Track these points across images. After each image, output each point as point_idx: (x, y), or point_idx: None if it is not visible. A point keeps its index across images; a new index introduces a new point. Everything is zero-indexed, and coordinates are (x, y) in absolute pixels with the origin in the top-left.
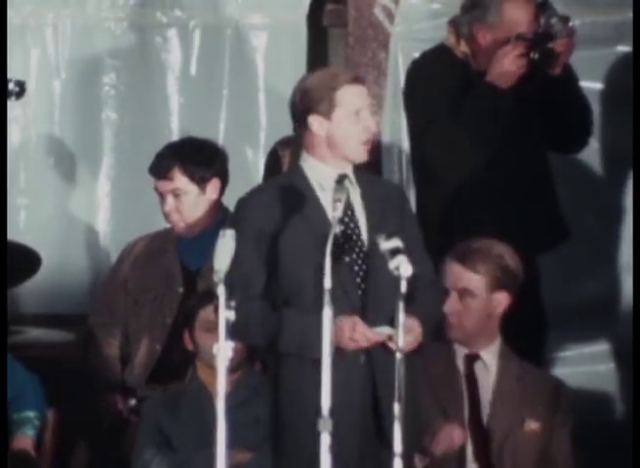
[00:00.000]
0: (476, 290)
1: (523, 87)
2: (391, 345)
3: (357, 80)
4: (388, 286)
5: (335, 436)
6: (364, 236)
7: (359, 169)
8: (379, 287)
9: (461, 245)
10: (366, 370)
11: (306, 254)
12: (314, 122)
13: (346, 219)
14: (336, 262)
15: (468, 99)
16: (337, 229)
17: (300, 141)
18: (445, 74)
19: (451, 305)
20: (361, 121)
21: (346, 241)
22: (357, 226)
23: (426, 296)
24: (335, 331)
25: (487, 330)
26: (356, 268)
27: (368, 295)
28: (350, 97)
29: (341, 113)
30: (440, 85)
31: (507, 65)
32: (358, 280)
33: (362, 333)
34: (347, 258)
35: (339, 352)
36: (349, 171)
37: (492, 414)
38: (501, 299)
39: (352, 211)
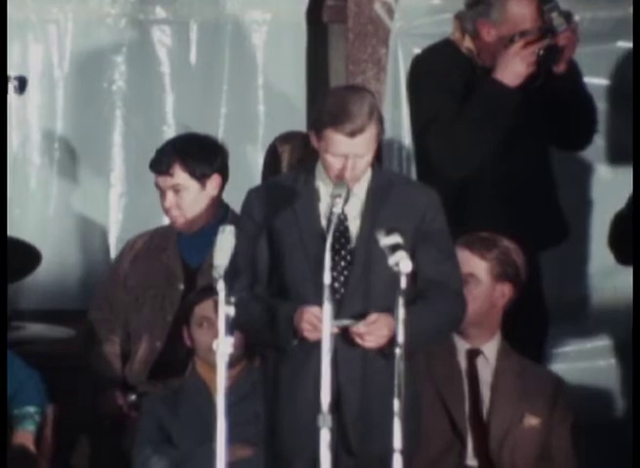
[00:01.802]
0: (481, 275)
1: (528, 84)
2: (356, 339)
3: (348, 133)
4: (371, 292)
5: (305, 434)
6: (352, 243)
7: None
8: (358, 292)
9: (470, 234)
10: (330, 369)
11: (293, 256)
12: (312, 136)
13: (337, 234)
14: (319, 268)
15: (475, 97)
16: (333, 226)
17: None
18: (450, 69)
19: None
20: (339, 162)
21: (336, 253)
22: (347, 232)
23: (436, 306)
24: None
25: (488, 321)
26: (334, 274)
27: (345, 299)
28: (333, 143)
29: (324, 147)
30: (445, 79)
31: (518, 64)
32: (337, 284)
33: (309, 322)
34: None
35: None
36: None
37: (491, 410)
38: (505, 291)
39: (345, 216)
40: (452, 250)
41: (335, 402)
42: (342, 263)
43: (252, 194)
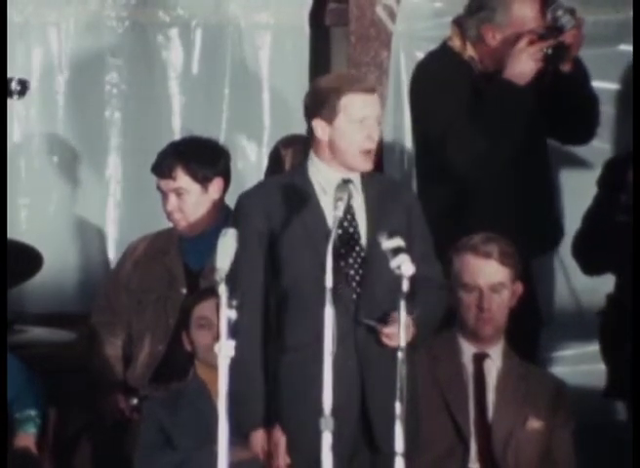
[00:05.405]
0: (507, 282)
1: (534, 84)
2: (384, 340)
3: (366, 89)
4: (384, 290)
5: (309, 436)
6: (363, 241)
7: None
8: (374, 291)
9: (471, 237)
10: (355, 372)
11: (302, 256)
12: (317, 126)
13: (345, 224)
14: (333, 266)
15: (486, 98)
16: (338, 230)
17: (307, 141)
18: (453, 75)
19: (487, 303)
20: (364, 129)
21: (343, 245)
22: (356, 231)
23: (427, 300)
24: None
25: (505, 324)
26: (352, 272)
27: (362, 299)
28: (355, 105)
29: (344, 120)
30: (448, 83)
31: (525, 61)
32: (354, 284)
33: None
34: (343, 263)
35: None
36: (355, 175)
37: (495, 413)
38: (517, 289)
39: (353, 215)
40: (430, 242)
41: (361, 405)
42: (357, 264)
43: (245, 199)
